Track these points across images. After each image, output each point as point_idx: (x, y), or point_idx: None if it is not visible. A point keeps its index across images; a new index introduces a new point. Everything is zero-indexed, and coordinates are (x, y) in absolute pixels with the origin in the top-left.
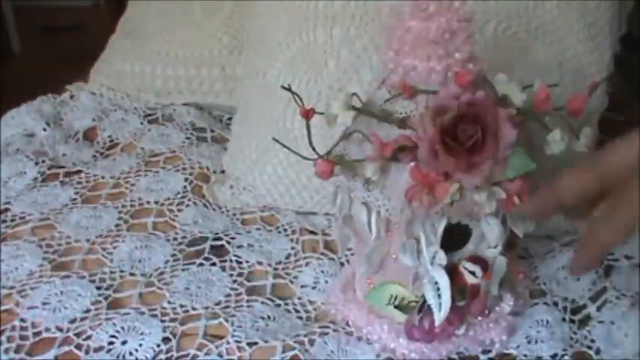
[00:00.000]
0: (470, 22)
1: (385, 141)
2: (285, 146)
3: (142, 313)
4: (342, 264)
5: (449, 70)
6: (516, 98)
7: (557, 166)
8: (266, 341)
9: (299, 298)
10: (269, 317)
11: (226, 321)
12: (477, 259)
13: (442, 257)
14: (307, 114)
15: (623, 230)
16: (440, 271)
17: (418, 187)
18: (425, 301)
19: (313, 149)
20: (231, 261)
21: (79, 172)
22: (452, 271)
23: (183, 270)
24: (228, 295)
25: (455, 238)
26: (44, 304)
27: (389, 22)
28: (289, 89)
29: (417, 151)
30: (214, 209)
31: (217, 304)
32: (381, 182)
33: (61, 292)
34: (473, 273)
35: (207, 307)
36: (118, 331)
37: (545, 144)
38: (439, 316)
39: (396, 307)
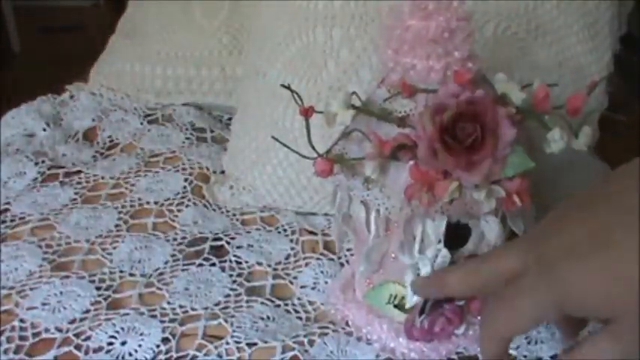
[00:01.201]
0: (469, 21)
1: (384, 139)
2: (284, 145)
3: (142, 314)
4: (341, 264)
5: (448, 69)
6: (515, 97)
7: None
8: (265, 342)
9: (299, 299)
10: (268, 318)
11: (226, 321)
12: None
13: (445, 254)
14: (307, 112)
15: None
16: (425, 261)
17: (417, 185)
18: (426, 301)
19: (313, 148)
20: (230, 261)
21: (79, 172)
22: None
23: (182, 270)
24: (228, 296)
25: (454, 237)
26: (44, 304)
27: (388, 22)
28: (289, 88)
29: (416, 150)
30: (214, 209)
31: (217, 304)
32: (380, 181)
33: (61, 293)
34: None
35: (206, 308)
36: (117, 332)
37: (544, 143)
38: (411, 299)
39: (395, 306)
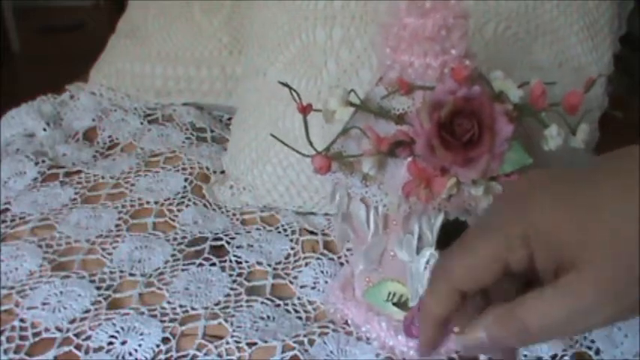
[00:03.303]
0: (466, 19)
1: (382, 136)
2: (283, 142)
3: (142, 314)
4: (341, 264)
5: (445, 67)
6: (513, 95)
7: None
8: (265, 341)
9: (298, 298)
10: (268, 317)
11: (226, 321)
12: None
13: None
14: (305, 109)
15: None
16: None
17: (415, 181)
18: None
19: (310, 144)
20: (230, 261)
21: (79, 172)
22: None
23: (182, 270)
24: (228, 296)
25: (453, 235)
26: (44, 304)
27: (385, 20)
28: (287, 85)
29: (414, 146)
30: (214, 209)
31: (217, 304)
32: (378, 177)
33: (61, 293)
34: None
35: (206, 308)
36: (117, 332)
37: (541, 139)
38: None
39: (394, 304)
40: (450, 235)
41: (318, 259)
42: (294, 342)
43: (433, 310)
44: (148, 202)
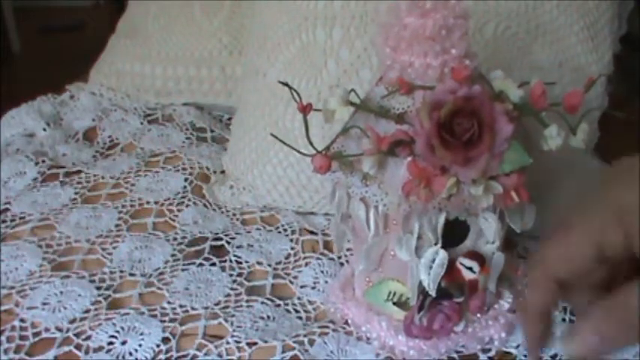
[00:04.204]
0: (466, 19)
1: (382, 135)
2: (283, 142)
3: (142, 314)
4: (341, 264)
5: (445, 66)
6: (513, 94)
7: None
8: (265, 341)
9: (299, 298)
10: (269, 317)
11: (226, 321)
12: (473, 255)
13: (443, 257)
14: (305, 109)
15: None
16: (424, 263)
17: (415, 181)
18: (425, 298)
19: (311, 144)
20: (230, 261)
21: (79, 172)
22: (449, 267)
23: (182, 270)
24: (228, 295)
25: (453, 234)
26: (44, 304)
27: (386, 20)
28: (287, 84)
29: (414, 146)
30: (214, 209)
31: (217, 304)
32: (378, 177)
33: (61, 293)
34: (470, 269)
35: (206, 307)
36: (117, 332)
37: (541, 139)
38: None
39: (394, 303)
40: (450, 232)
41: (318, 259)
42: (294, 342)
43: (534, 301)
44: (148, 202)
